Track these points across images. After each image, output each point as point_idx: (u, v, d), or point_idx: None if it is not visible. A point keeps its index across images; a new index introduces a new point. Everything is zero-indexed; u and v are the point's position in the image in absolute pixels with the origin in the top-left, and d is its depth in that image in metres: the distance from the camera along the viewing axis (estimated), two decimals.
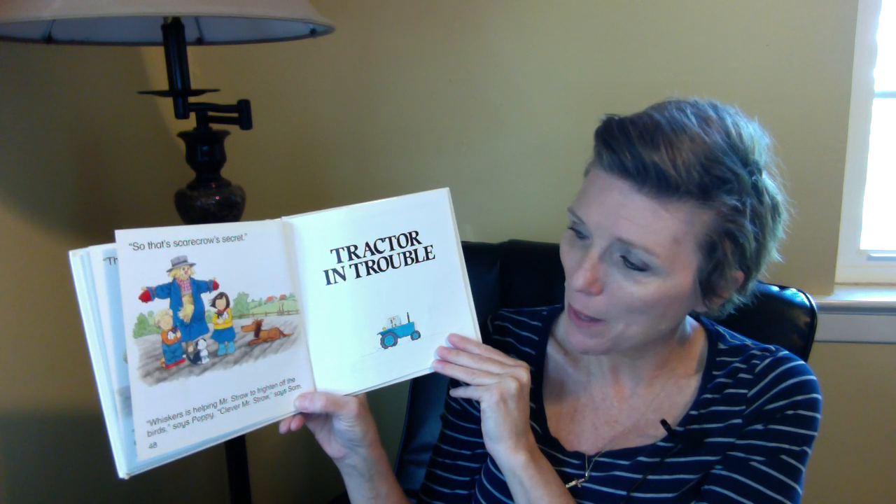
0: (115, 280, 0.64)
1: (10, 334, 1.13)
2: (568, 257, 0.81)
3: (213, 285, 0.69)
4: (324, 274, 0.77)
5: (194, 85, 1.13)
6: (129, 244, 0.65)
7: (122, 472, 0.65)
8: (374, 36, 1.52)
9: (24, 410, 1.16)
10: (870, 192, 1.53)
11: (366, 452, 0.81)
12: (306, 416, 0.77)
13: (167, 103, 1.40)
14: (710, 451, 0.82)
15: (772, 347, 0.88)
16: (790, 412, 0.81)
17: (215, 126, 1.18)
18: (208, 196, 1.18)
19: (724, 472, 0.80)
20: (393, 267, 0.79)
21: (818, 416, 0.82)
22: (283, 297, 0.74)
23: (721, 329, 0.92)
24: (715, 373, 0.87)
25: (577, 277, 0.76)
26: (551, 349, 0.96)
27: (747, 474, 0.79)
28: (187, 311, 0.67)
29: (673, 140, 0.72)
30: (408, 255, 0.80)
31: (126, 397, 0.64)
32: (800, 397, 0.81)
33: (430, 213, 0.82)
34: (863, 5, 1.39)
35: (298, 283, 0.76)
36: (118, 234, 0.65)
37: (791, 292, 1.07)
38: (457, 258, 0.83)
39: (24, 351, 1.16)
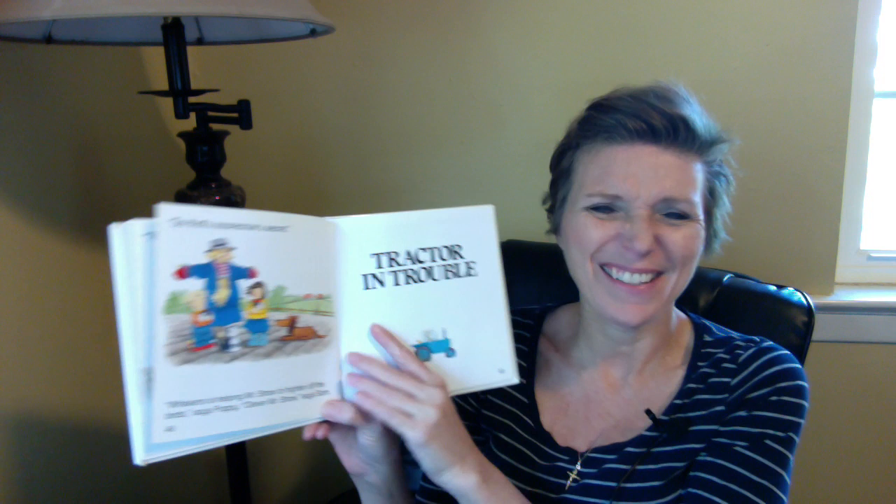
0: (153, 256, 0.62)
1: (10, 334, 1.13)
2: (598, 234, 0.82)
3: (251, 273, 0.67)
4: (362, 278, 0.74)
5: (194, 85, 1.13)
6: (170, 219, 0.62)
7: (138, 458, 0.62)
8: (374, 36, 1.52)
9: (24, 410, 1.16)
10: (870, 192, 1.53)
11: (386, 471, 0.79)
12: (330, 424, 0.75)
13: (167, 103, 1.40)
14: (695, 439, 0.83)
15: (756, 338, 0.89)
16: (774, 398, 0.81)
17: (215, 126, 1.18)
18: (208, 196, 1.18)
19: (708, 458, 0.81)
20: (433, 279, 0.77)
21: (804, 403, 0.82)
22: (320, 297, 0.71)
23: (707, 322, 0.94)
24: (700, 363, 0.88)
25: (640, 243, 0.78)
26: (543, 346, 0.98)
27: (731, 459, 0.79)
28: (222, 295, 0.65)
29: (687, 99, 0.83)
30: (449, 268, 0.78)
31: (151, 378, 0.62)
32: (784, 384, 0.82)
33: (474, 229, 0.79)
34: (863, 5, 1.39)
35: (336, 284, 0.73)
36: (160, 207, 0.62)
37: (788, 291, 1.07)
38: (499, 278, 0.80)
39: (24, 351, 1.16)
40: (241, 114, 1.11)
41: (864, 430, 1.56)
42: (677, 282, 0.83)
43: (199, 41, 1.26)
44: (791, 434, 0.80)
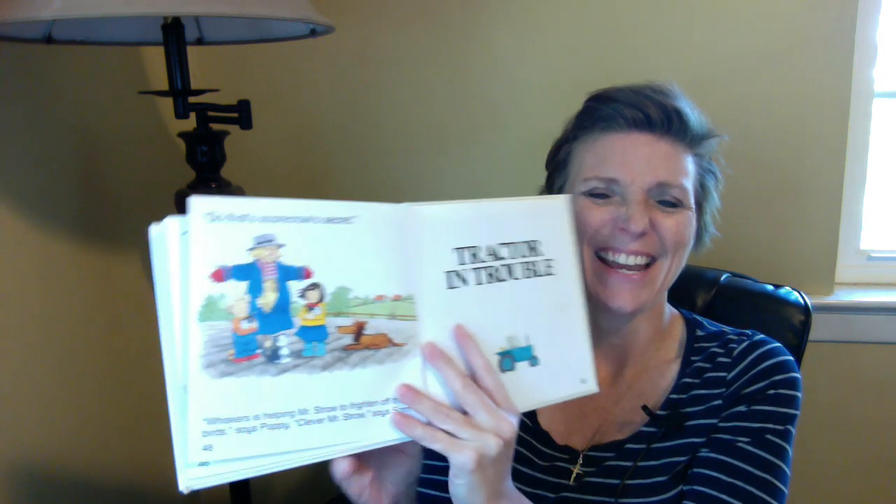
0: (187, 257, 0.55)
1: (9, 334, 1.13)
2: (595, 217, 0.84)
3: (304, 273, 0.59)
4: (445, 276, 0.65)
5: (194, 85, 1.13)
6: (205, 214, 0.55)
7: (181, 483, 0.55)
8: (374, 36, 1.52)
9: (23, 409, 1.16)
10: (870, 192, 1.53)
11: (411, 498, 0.74)
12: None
13: (167, 103, 1.40)
14: (694, 434, 0.83)
15: (748, 332, 0.90)
16: (771, 392, 0.82)
17: (215, 126, 1.18)
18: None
19: (710, 454, 0.81)
20: (513, 278, 0.69)
21: (798, 394, 0.84)
22: (397, 298, 0.62)
23: (699, 317, 0.95)
24: (693, 358, 0.89)
25: (635, 223, 0.80)
26: None
27: (734, 455, 0.80)
28: (268, 299, 0.57)
29: (681, 95, 0.86)
30: (528, 266, 0.70)
31: (187, 393, 0.55)
32: (778, 377, 0.83)
33: (550, 223, 0.72)
34: (863, 5, 1.39)
35: (418, 283, 0.64)
36: (192, 200, 0.55)
37: (786, 290, 1.07)
38: (578, 277, 0.73)
39: (23, 351, 1.16)
40: (241, 114, 1.11)
41: (865, 430, 1.56)
42: (669, 269, 0.85)
43: (199, 41, 1.26)
44: (789, 426, 0.82)
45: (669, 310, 0.94)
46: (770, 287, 1.09)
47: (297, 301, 0.58)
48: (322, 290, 0.59)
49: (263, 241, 0.57)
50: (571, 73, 1.47)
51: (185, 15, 0.96)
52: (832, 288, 1.51)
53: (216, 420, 0.55)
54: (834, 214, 1.47)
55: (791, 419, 0.82)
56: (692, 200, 0.86)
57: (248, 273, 0.56)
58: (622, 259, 0.83)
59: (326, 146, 1.59)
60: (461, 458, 0.60)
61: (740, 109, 1.43)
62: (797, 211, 1.48)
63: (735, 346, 0.87)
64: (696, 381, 0.87)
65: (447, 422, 0.61)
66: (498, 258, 0.68)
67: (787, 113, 1.42)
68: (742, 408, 0.82)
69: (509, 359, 0.68)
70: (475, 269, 0.67)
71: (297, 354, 0.58)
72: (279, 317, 0.58)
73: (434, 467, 0.83)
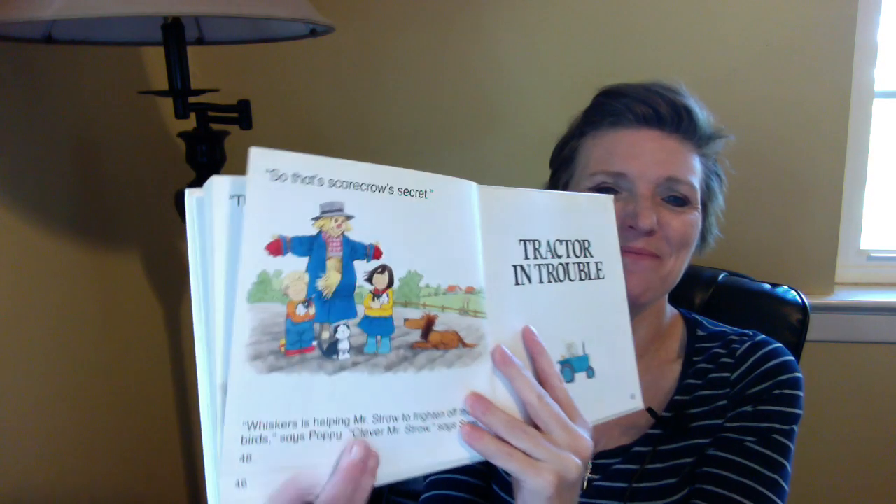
0: (241, 226, 0.45)
1: (8, 334, 1.13)
2: None
3: (374, 252, 0.50)
4: (512, 269, 0.58)
5: (194, 85, 1.13)
6: (268, 170, 0.46)
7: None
8: (374, 36, 1.52)
9: (21, 410, 1.16)
10: (870, 192, 1.53)
11: None
12: None
13: (167, 103, 1.40)
14: (700, 435, 0.83)
15: (749, 332, 0.90)
16: (776, 392, 0.83)
17: (215, 126, 1.18)
18: None
19: (719, 453, 0.82)
20: (569, 279, 0.62)
21: (801, 394, 0.84)
22: (469, 291, 0.54)
23: (698, 317, 0.95)
24: (695, 359, 0.89)
25: (644, 220, 0.78)
26: None
27: (743, 454, 0.80)
28: (331, 280, 0.48)
29: (690, 94, 0.86)
30: (581, 267, 0.63)
31: (227, 392, 0.45)
32: (783, 377, 0.84)
33: (598, 222, 0.66)
34: (863, 5, 1.39)
35: (489, 274, 0.56)
36: (252, 151, 0.46)
37: (783, 289, 1.07)
38: (624, 282, 0.67)
39: (22, 351, 1.16)
40: (241, 114, 1.11)
41: (865, 430, 1.56)
42: (673, 269, 0.85)
43: (199, 41, 1.26)
44: (793, 426, 0.83)
45: (670, 310, 0.94)
46: (767, 286, 1.09)
47: (363, 285, 0.49)
48: (391, 273, 0.50)
49: (331, 210, 0.48)
50: (572, 74, 1.47)
51: (185, 15, 0.96)
52: (832, 288, 1.51)
53: (258, 424, 0.45)
54: (834, 214, 1.47)
55: (796, 419, 0.83)
56: (699, 200, 0.85)
57: (310, 247, 0.47)
58: (638, 245, 0.82)
59: (326, 146, 1.59)
60: (539, 482, 0.53)
61: (740, 109, 1.43)
62: (797, 211, 1.48)
63: (737, 346, 0.87)
64: (700, 382, 0.87)
65: (523, 439, 0.53)
66: (556, 255, 0.61)
67: (787, 113, 1.42)
68: (748, 408, 0.83)
69: (569, 369, 0.62)
70: (538, 265, 0.60)
71: (358, 350, 0.49)
72: (341, 303, 0.48)
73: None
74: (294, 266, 0.46)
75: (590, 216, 0.65)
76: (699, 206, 0.85)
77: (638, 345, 0.89)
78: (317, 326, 0.47)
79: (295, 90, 1.57)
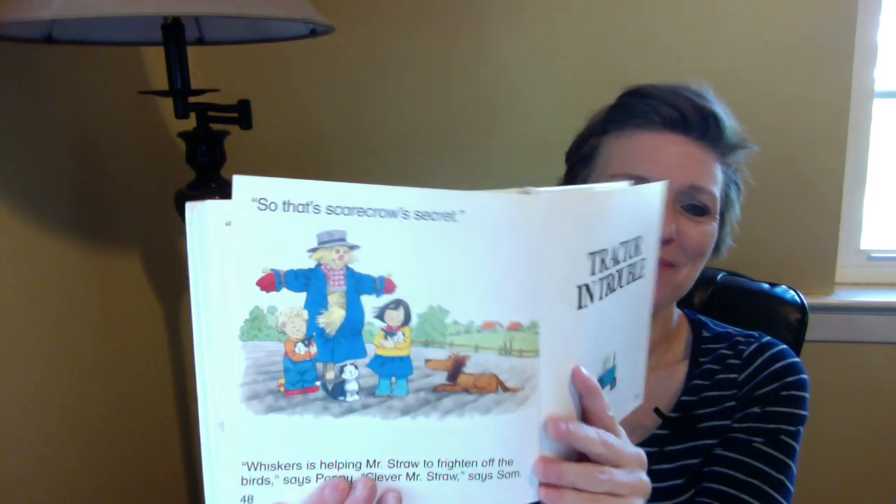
0: (231, 255, 0.43)
1: (7, 334, 1.13)
2: None
3: (385, 285, 0.45)
4: (577, 291, 0.49)
5: (194, 85, 1.13)
6: (254, 199, 0.42)
7: None
8: (374, 36, 1.52)
9: (21, 410, 1.16)
10: (870, 192, 1.53)
11: None
12: None
13: (167, 103, 1.40)
14: (707, 435, 0.84)
15: (755, 333, 0.90)
16: (784, 393, 0.83)
17: (215, 126, 1.18)
18: (208, 196, 1.17)
19: (726, 453, 0.82)
20: (621, 285, 0.55)
21: (807, 395, 0.85)
22: (514, 327, 0.47)
23: (703, 318, 0.95)
24: (702, 360, 0.89)
25: (664, 228, 0.73)
26: None
27: (751, 455, 0.81)
28: (333, 317, 0.44)
29: (717, 102, 0.84)
30: (631, 269, 0.56)
31: (223, 430, 0.44)
32: (789, 378, 0.84)
33: (647, 215, 0.58)
34: (863, 5, 1.39)
35: (545, 304, 0.47)
36: (236, 180, 0.42)
37: (782, 289, 1.08)
38: (654, 279, 0.61)
39: (21, 352, 1.16)
40: (241, 114, 1.11)
41: (866, 430, 1.56)
42: (686, 278, 0.84)
43: (199, 41, 1.26)
44: (799, 427, 0.83)
45: (676, 311, 0.94)
46: (766, 285, 1.09)
47: (372, 322, 0.45)
48: (407, 309, 0.45)
49: (330, 241, 0.44)
50: (573, 74, 1.47)
51: (185, 15, 0.96)
52: (832, 288, 1.51)
53: (258, 465, 0.44)
54: (834, 214, 1.47)
55: (801, 420, 0.83)
56: (718, 209, 0.83)
57: (307, 281, 0.44)
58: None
59: (326, 146, 1.59)
60: None
61: (740, 109, 1.42)
62: (797, 210, 1.48)
63: (744, 347, 0.88)
64: (707, 382, 0.87)
65: (602, 482, 0.51)
66: (616, 262, 0.53)
67: (787, 113, 1.42)
68: (756, 409, 0.83)
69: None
70: (601, 279, 0.52)
71: (368, 392, 0.45)
72: (348, 341, 0.45)
73: None
74: (290, 302, 0.44)
75: (641, 209, 0.57)
76: (718, 216, 0.83)
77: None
78: (320, 366, 0.45)
79: (295, 90, 1.57)
